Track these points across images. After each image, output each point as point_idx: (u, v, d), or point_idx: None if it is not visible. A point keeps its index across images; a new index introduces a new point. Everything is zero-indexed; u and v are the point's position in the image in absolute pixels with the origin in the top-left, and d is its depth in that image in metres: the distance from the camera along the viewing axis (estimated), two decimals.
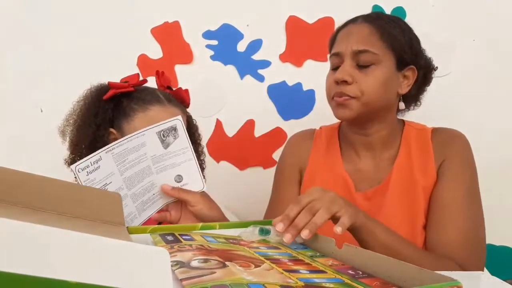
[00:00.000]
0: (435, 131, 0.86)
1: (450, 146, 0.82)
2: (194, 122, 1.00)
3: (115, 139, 0.88)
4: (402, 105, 0.86)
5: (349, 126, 0.89)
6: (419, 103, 0.91)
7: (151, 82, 0.97)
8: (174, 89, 0.96)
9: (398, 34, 0.82)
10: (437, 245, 0.75)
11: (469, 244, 0.75)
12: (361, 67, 0.80)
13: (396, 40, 0.81)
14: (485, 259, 0.77)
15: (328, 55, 0.88)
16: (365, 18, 0.84)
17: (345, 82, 0.79)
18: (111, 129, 0.88)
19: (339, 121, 0.96)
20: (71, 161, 0.88)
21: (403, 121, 0.90)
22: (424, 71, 0.87)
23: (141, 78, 0.93)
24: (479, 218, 0.78)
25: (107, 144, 0.86)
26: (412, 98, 0.88)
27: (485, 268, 0.95)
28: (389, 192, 0.82)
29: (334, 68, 0.84)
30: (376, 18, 0.84)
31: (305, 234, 0.58)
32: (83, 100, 0.90)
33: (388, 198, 0.82)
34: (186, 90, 0.96)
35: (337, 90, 0.81)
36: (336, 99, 0.81)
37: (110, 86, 0.89)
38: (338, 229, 0.60)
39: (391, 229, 0.70)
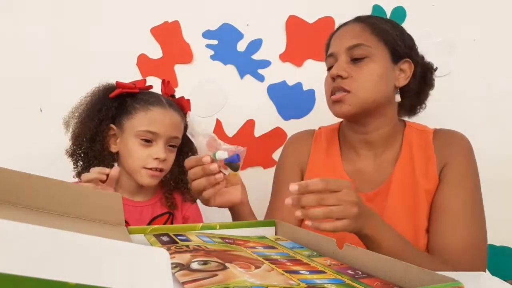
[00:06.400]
0: (437, 133, 0.85)
1: (452, 149, 0.81)
2: None
3: (114, 134, 0.94)
4: (398, 98, 0.86)
5: (349, 125, 0.88)
6: (424, 105, 0.91)
7: (156, 87, 0.99)
8: (176, 97, 0.99)
9: (389, 28, 0.84)
10: (440, 251, 0.74)
11: (472, 250, 0.74)
12: (355, 62, 0.81)
13: (387, 33, 0.83)
14: (486, 265, 0.77)
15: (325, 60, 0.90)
16: (355, 19, 0.88)
17: (340, 76, 0.81)
18: (112, 125, 0.93)
19: (338, 121, 0.96)
20: (72, 151, 0.93)
21: (404, 122, 0.90)
22: (423, 69, 0.87)
23: (147, 84, 0.98)
24: (482, 224, 0.78)
25: (106, 138, 0.93)
26: (413, 95, 0.88)
27: None
28: (391, 194, 0.81)
29: (329, 68, 0.86)
30: (366, 17, 0.87)
31: (297, 213, 0.60)
32: (90, 96, 0.95)
33: (391, 200, 0.81)
34: (188, 100, 0.99)
35: (333, 86, 0.82)
36: (332, 97, 0.82)
37: (117, 85, 0.94)
38: (308, 223, 0.60)
39: (400, 237, 0.69)
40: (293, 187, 0.60)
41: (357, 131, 0.86)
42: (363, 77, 0.80)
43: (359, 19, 0.87)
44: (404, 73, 0.84)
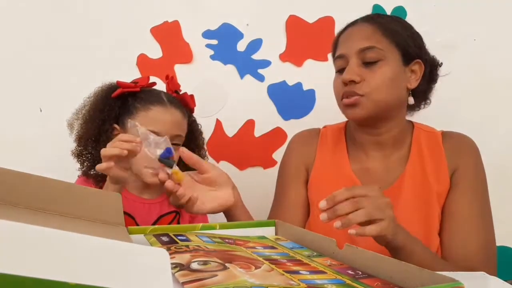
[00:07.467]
0: (446, 135, 0.85)
1: (463, 154, 0.81)
2: (199, 127, 1.03)
3: (118, 134, 0.92)
4: (411, 100, 0.85)
5: (360, 127, 0.87)
6: (428, 101, 0.91)
7: (160, 85, 0.99)
8: (180, 93, 0.99)
9: (400, 30, 0.82)
10: (458, 257, 0.75)
11: (489, 256, 0.75)
12: (367, 64, 0.80)
13: (398, 35, 0.82)
14: (497, 269, 0.78)
15: (332, 60, 0.88)
16: (364, 19, 0.85)
17: (353, 81, 0.79)
18: (115, 125, 0.93)
19: (343, 121, 0.95)
20: (78, 152, 0.94)
21: (411, 123, 0.90)
22: (430, 67, 0.87)
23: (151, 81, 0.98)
24: (492, 229, 0.79)
25: (111, 138, 0.91)
26: (421, 94, 0.87)
27: None
28: (403, 194, 0.81)
29: (339, 70, 0.84)
30: (375, 17, 0.85)
31: (337, 225, 0.60)
32: (93, 96, 0.95)
33: (403, 200, 0.81)
34: (192, 96, 0.99)
35: (345, 90, 0.80)
36: (345, 100, 0.80)
37: (118, 85, 0.94)
38: (352, 231, 0.60)
39: (427, 249, 0.70)
40: (322, 203, 0.61)
41: (368, 133, 0.86)
42: (376, 81, 0.78)
43: (367, 19, 0.84)
44: (415, 75, 0.83)
